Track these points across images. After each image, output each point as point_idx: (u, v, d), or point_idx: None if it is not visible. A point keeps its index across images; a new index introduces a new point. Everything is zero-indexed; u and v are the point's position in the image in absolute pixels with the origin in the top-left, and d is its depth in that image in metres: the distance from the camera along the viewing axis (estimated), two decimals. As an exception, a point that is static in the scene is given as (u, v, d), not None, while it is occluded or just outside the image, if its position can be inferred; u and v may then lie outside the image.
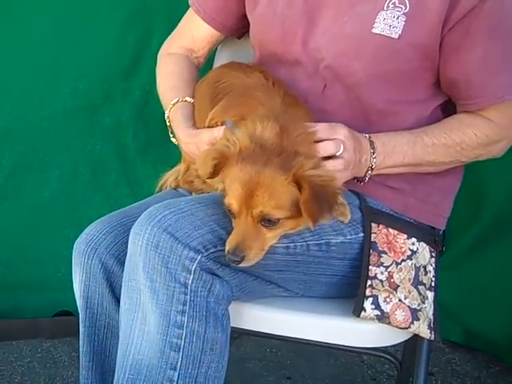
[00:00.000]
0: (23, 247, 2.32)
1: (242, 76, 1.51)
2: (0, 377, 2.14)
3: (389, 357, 1.88)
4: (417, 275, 1.42)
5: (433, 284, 1.44)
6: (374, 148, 1.44)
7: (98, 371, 1.50)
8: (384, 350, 1.81)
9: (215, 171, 1.31)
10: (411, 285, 1.41)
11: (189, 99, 1.59)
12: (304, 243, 1.40)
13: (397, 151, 1.46)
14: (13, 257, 2.31)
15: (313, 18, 1.51)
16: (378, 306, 1.38)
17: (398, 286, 1.40)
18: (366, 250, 1.41)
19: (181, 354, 1.31)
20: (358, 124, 1.45)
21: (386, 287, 1.40)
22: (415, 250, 1.44)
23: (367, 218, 1.44)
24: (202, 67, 1.80)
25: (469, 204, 2.27)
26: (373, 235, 1.43)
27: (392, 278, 1.40)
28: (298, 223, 1.32)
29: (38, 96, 2.23)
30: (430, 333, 1.41)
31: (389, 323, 1.39)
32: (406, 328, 1.40)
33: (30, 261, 2.32)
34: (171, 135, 1.60)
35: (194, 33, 1.73)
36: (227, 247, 1.28)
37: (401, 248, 1.43)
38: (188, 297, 1.31)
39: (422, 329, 1.40)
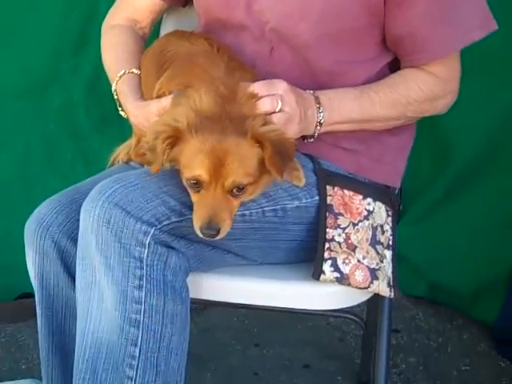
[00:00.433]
0: (-22, 231, 2.28)
1: (187, 44, 1.48)
2: (-37, 364, 2.11)
3: (354, 317, 1.91)
4: (374, 235, 1.42)
5: (390, 243, 1.45)
6: (319, 103, 1.42)
7: (59, 352, 1.48)
8: (349, 310, 1.83)
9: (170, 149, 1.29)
10: (369, 245, 1.41)
11: (135, 71, 1.56)
12: (260, 209, 1.39)
13: (344, 106, 1.44)
14: (-32, 240, 2.28)
15: None
16: (336, 268, 1.38)
17: (356, 246, 1.40)
18: (322, 212, 1.41)
19: (141, 329, 1.30)
20: (306, 85, 1.43)
21: (344, 249, 1.39)
22: (371, 209, 1.44)
23: (322, 180, 1.44)
24: (148, 38, 1.76)
25: (433, 159, 2.29)
26: (328, 198, 1.42)
27: (349, 239, 1.40)
28: (256, 187, 1.32)
29: (-17, 77, 2.17)
30: (390, 291, 1.42)
31: (349, 284, 1.39)
32: (366, 288, 1.40)
33: (-15, 244, 2.29)
34: (119, 108, 1.57)
35: (135, 3, 1.69)
36: (199, 222, 1.26)
37: (357, 209, 1.43)
38: (144, 271, 1.30)
39: (382, 287, 1.41)
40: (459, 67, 1.53)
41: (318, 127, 1.43)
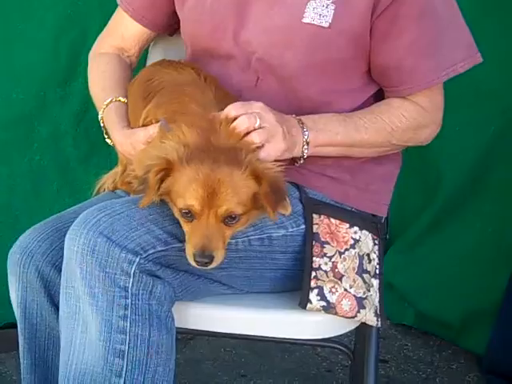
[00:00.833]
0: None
1: (174, 73, 1.49)
2: None
3: (341, 347, 1.88)
4: (361, 263, 1.42)
5: (377, 271, 1.44)
6: (302, 124, 1.42)
7: (42, 384, 1.46)
8: (337, 340, 1.82)
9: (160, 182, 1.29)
10: (356, 273, 1.41)
11: (122, 99, 1.56)
12: (246, 238, 1.38)
13: (329, 128, 1.45)
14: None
15: (243, 10, 1.50)
16: (323, 297, 1.37)
17: (343, 275, 1.40)
18: (308, 241, 1.40)
19: (125, 360, 1.28)
20: (292, 114, 1.44)
21: (331, 277, 1.39)
22: (358, 238, 1.44)
23: (308, 209, 1.43)
24: (136, 66, 1.76)
25: (422, 189, 2.30)
26: (315, 226, 1.42)
27: (336, 267, 1.40)
28: (248, 218, 1.32)
29: (-31, 108, 2.16)
30: (377, 320, 1.41)
31: (335, 313, 1.38)
32: (353, 317, 1.39)
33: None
34: (106, 136, 1.57)
35: (123, 31, 1.70)
36: (193, 250, 1.26)
37: (343, 237, 1.43)
38: (129, 301, 1.28)
39: (369, 316, 1.40)
40: (442, 98, 1.55)
41: (306, 147, 1.43)
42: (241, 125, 1.32)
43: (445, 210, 2.27)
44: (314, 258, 1.39)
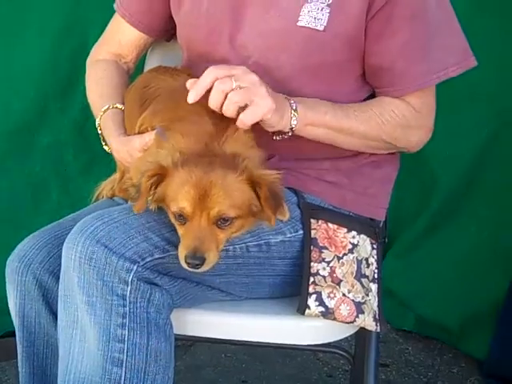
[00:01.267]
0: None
1: (169, 80, 1.49)
2: None
3: (342, 352, 1.88)
4: (359, 268, 1.41)
5: (376, 276, 1.44)
6: (288, 99, 1.40)
7: (40, 393, 1.45)
8: (338, 345, 1.81)
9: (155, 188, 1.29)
10: (354, 278, 1.40)
11: (119, 106, 1.56)
12: (243, 245, 1.38)
13: (317, 107, 1.43)
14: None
15: (238, 15, 1.49)
16: (322, 303, 1.37)
17: (341, 280, 1.39)
18: (306, 246, 1.40)
19: (124, 368, 1.28)
20: None
21: (329, 282, 1.38)
22: (356, 243, 1.43)
23: (306, 214, 1.43)
24: (133, 72, 1.76)
25: (418, 193, 2.29)
26: (313, 231, 1.41)
27: (334, 272, 1.39)
28: (243, 223, 1.32)
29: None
30: (376, 325, 1.41)
31: (334, 319, 1.38)
32: (352, 322, 1.39)
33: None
34: (103, 143, 1.56)
35: (120, 38, 1.70)
36: (184, 252, 1.25)
37: (341, 242, 1.42)
38: (127, 309, 1.28)
39: (368, 321, 1.40)
40: (434, 101, 1.54)
41: (294, 117, 1.39)
42: (216, 91, 1.29)
43: (441, 214, 2.26)
44: (312, 264, 1.39)
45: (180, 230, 1.29)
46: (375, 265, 1.44)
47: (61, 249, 1.34)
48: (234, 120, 1.33)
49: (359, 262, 1.42)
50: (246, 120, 1.32)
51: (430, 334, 2.32)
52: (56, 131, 2.23)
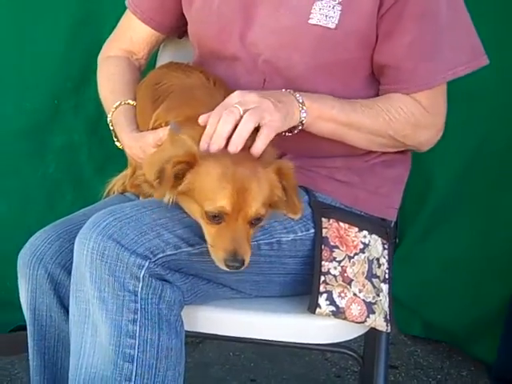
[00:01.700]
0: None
1: (182, 76, 1.49)
2: (-45, 398, 2.08)
3: (351, 353, 1.87)
4: (370, 268, 1.41)
5: (387, 276, 1.43)
6: (293, 94, 1.38)
7: (51, 386, 1.46)
8: (347, 346, 1.81)
9: (178, 176, 1.24)
10: (365, 278, 1.40)
11: (131, 102, 1.56)
12: (255, 243, 1.37)
13: (324, 101, 1.41)
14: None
15: (249, 12, 1.49)
16: (332, 302, 1.36)
17: (352, 280, 1.39)
18: (317, 245, 1.40)
19: (135, 364, 1.28)
20: None
21: (340, 282, 1.38)
22: (367, 242, 1.43)
23: (317, 213, 1.43)
24: (145, 68, 1.77)
25: (414, 196, 2.27)
26: (324, 230, 1.41)
27: (345, 272, 1.39)
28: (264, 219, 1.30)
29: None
30: (387, 325, 1.41)
31: (344, 318, 1.37)
32: (362, 322, 1.39)
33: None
34: (115, 139, 1.57)
35: (132, 34, 1.70)
36: (223, 255, 1.23)
37: (353, 241, 1.42)
38: (138, 305, 1.28)
39: (378, 322, 1.39)
40: (445, 101, 1.52)
41: (303, 110, 1.38)
42: (225, 121, 1.26)
43: (437, 218, 2.23)
44: (323, 263, 1.39)
45: (210, 229, 1.25)
46: (386, 265, 1.44)
47: (72, 243, 1.34)
48: None
49: (370, 262, 1.42)
50: (260, 148, 1.29)
51: (438, 338, 2.31)
52: (69, 131, 2.20)
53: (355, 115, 1.44)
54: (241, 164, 1.22)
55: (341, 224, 1.43)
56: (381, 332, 1.48)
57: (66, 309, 1.42)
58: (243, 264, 1.24)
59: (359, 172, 1.53)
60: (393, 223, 1.59)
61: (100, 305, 1.28)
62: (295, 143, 1.44)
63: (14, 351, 2.26)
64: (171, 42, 1.79)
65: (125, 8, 1.72)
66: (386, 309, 1.41)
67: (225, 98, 1.37)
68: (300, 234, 1.42)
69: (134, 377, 1.28)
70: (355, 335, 1.45)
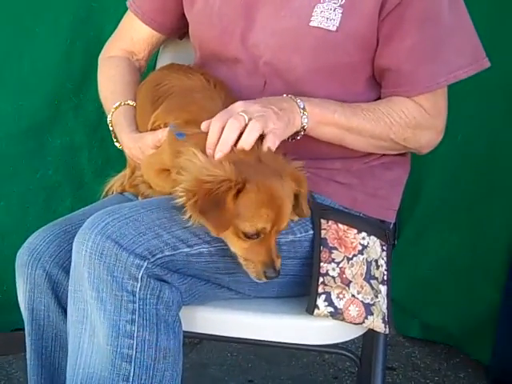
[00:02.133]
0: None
1: (183, 78, 1.49)
2: (-48, 397, 2.08)
3: (349, 354, 1.87)
4: (369, 270, 1.41)
5: (385, 278, 1.43)
6: (294, 99, 1.39)
7: (48, 386, 1.46)
8: (344, 347, 1.81)
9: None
10: (363, 280, 1.40)
11: (131, 102, 1.57)
12: (254, 243, 1.38)
13: (325, 105, 1.42)
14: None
15: (250, 14, 1.50)
16: (331, 303, 1.37)
17: (351, 281, 1.39)
18: (316, 246, 1.40)
19: (133, 364, 1.28)
20: None
21: (339, 283, 1.38)
22: (366, 244, 1.43)
23: (316, 214, 1.43)
24: (145, 69, 1.77)
25: (407, 198, 2.26)
26: (323, 231, 1.41)
27: (344, 273, 1.39)
28: None
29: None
30: (385, 327, 1.40)
31: (343, 319, 1.38)
32: (361, 323, 1.39)
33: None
34: (115, 140, 1.57)
35: (133, 35, 1.70)
36: (263, 268, 1.28)
37: (351, 243, 1.42)
38: (136, 305, 1.28)
39: (377, 323, 1.40)
40: (445, 104, 1.53)
41: (304, 116, 1.39)
42: (231, 129, 1.28)
43: (428, 220, 2.22)
44: (322, 264, 1.39)
45: (243, 244, 1.28)
46: (385, 266, 1.44)
47: (71, 243, 1.34)
48: None
49: (369, 264, 1.42)
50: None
51: (436, 339, 2.30)
52: (69, 132, 2.19)
53: (356, 119, 1.44)
54: (273, 183, 1.25)
55: (339, 225, 1.43)
56: (379, 333, 1.48)
57: (63, 309, 1.42)
58: (279, 273, 1.28)
59: (358, 174, 1.53)
60: (391, 225, 1.59)
61: (98, 305, 1.28)
62: (295, 145, 1.44)
63: (12, 350, 2.26)
64: (171, 43, 1.79)
65: (126, 8, 1.72)
66: (385, 310, 1.41)
67: (225, 100, 1.38)
68: (299, 236, 1.42)
69: (131, 377, 1.28)
70: (353, 336, 1.45)
